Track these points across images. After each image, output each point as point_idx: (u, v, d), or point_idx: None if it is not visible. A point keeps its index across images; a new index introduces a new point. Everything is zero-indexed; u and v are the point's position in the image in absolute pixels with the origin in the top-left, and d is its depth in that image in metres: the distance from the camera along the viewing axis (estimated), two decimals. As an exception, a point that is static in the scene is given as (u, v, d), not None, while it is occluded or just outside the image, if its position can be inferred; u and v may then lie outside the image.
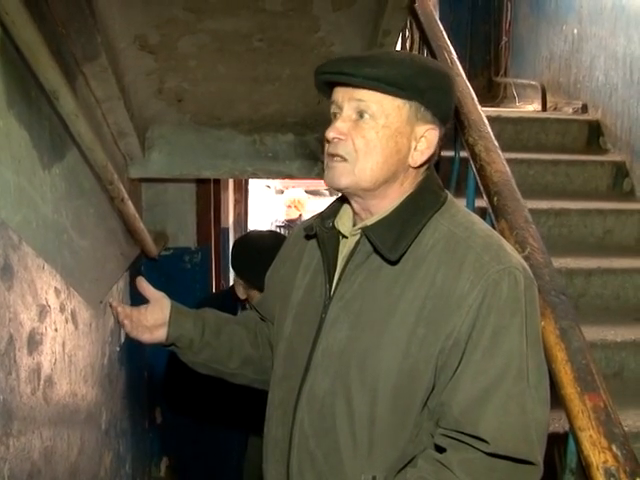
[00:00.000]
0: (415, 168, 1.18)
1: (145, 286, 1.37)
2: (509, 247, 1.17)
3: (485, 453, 1.07)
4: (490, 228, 1.22)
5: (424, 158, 1.18)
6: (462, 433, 1.08)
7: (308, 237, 1.31)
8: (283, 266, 1.39)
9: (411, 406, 1.12)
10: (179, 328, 1.36)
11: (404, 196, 1.19)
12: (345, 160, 1.14)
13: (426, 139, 1.16)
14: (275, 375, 1.31)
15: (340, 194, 1.28)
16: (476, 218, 1.22)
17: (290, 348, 1.27)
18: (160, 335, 1.36)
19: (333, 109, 1.18)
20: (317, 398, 1.18)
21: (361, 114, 1.14)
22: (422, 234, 1.15)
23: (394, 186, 1.18)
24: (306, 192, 9.99)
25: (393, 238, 1.14)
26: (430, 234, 1.15)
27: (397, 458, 1.13)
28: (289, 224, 8.37)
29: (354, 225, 1.24)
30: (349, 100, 1.14)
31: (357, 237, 1.20)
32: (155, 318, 1.35)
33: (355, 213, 1.23)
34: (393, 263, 1.14)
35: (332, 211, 1.28)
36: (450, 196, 1.23)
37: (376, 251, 1.15)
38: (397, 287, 1.13)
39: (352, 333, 1.16)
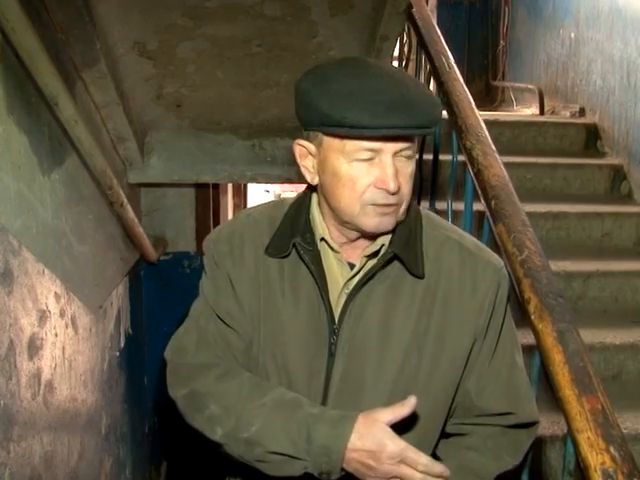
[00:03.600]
0: None
1: None
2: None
3: (507, 427, 1.17)
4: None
5: None
6: (482, 416, 1.17)
7: (271, 254, 1.15)
8: (235, 288, 1.17)
9: (449, 405, 1.19)
10: None
11: None
12: (397, 206, 1.08)
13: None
14: None
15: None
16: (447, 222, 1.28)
17: (292, 380, 1.15)
18: None
19: (366, 155, 1.03)
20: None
21: (406, 158, 1.06)
22: (424, 245, 1.15)
23: None
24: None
25: (413, 254, 1.12)
26: (429, 243, 1.15)
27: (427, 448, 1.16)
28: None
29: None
30: (395, 149, 1.03)
31: (365, 260, 1.13)
32: None
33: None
34: (414, 278, 1.12)
35: (303, 226, 1.15)
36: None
37: (381, 268, 1.11)
38: (424, 301, 1.13)
39: (405, 358, 1.12)
